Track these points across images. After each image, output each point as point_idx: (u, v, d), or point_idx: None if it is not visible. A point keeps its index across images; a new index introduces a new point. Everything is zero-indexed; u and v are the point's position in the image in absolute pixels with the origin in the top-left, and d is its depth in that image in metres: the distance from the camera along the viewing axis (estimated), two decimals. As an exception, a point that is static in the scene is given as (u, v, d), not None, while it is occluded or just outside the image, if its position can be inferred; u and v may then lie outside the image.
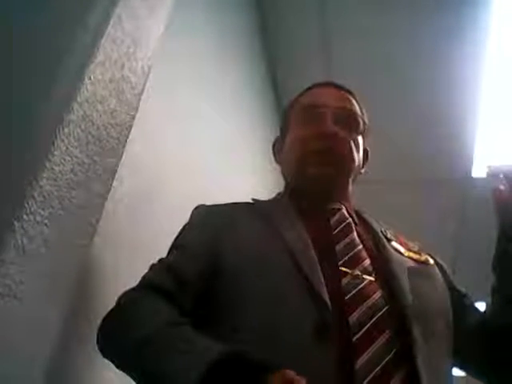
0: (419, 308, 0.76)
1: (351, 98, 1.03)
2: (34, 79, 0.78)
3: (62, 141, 0.75)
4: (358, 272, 0.78)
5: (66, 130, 0.75)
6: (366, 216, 0.99)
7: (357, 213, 0.99)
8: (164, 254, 0.89)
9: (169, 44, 1.22)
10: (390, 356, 0.69)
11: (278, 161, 1.10)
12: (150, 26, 1.01)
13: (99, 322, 0.79)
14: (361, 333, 0.70)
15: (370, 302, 0.74)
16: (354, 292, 0.75)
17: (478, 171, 2.64)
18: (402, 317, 0.74)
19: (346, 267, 0.79)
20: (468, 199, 2.76)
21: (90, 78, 0.81)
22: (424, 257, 0.93)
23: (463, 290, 0.95)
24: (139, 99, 0.98)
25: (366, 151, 1.06)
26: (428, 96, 2.28)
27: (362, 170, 1.05)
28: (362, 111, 1.03)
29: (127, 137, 0.94)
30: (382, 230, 0.95)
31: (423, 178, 2.74)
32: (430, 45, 2.12)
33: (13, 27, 0.79)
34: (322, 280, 0.74)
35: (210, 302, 0.79)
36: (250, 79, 2.09)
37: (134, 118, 0.96)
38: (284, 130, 1.07)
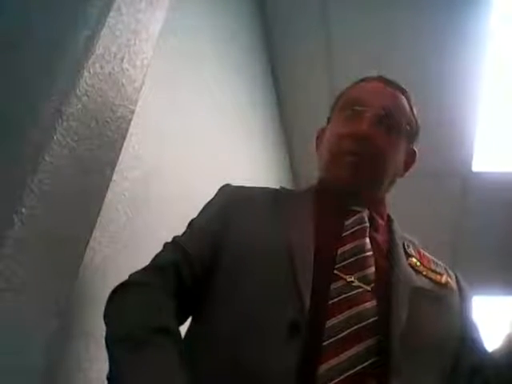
0: (409, 327, 0.75)
1: (401, 97, 0.98)
2: (33, 72, 0.77)
3: (62, 135, 0.74)
4: (352, 279, 0.77)
5: (65, 123, 0.75)
6: (393, 225, 0.95)
7: (388, 220, 0.96)
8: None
9: (169, 38, 1.21)
10: (362, 366, 0.68)
11: (317, 152, 1.06)
12: (149, 18, 1.01)
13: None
14: (334, 338, 0.69)
15: (356, 310, 0.73)
16: (340, 298, 0.74)
17: (479, 165, 2.63)
18: (387, 331, 0.73)
19: (342, 272, 0.78)
20: (468, 194, 2.76)
21: (89, 71, 0.80)
22: (445, 279, 0.90)
23: (477, 324, 0.90)
24: (139, 92, 0.97)
25: (412, 152, 1.00)
26: (428, 91, 2.27)
27: (405, 173, 1.01)
28: (411, 110, 0.98)
29: (127, 130, 0.94)
30: (405, 243, 0.92)
31: (424, 172, 2.74)
32: (430, 43, 2.13)
33: (12, 20, 0.79)
34: (310, 282, 0.74)
35: (203, 291, 0.80)
36: (250, 73, 2.08)
37: (133, 111, 0.95)
38: (328, 121, 1.04)
